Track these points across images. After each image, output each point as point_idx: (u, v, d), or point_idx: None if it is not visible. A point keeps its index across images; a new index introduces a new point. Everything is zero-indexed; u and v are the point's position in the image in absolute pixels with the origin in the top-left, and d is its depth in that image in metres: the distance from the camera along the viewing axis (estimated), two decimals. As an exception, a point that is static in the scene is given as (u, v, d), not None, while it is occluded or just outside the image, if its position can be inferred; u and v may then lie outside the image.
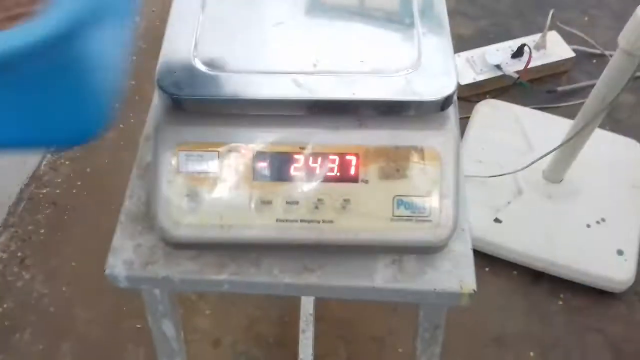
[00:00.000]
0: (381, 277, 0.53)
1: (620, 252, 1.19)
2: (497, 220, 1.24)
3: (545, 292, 1.24)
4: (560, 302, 1.22)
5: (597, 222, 1.23)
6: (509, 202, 1.26)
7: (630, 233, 1.22)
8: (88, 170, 1.41)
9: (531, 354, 1.16)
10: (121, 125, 1.49)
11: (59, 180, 1.39)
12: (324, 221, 0.50)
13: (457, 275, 0.53)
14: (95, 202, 1.36)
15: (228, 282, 0.53)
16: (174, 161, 0.50)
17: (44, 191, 1.37)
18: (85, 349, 1.15)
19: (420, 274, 0.53)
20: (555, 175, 1.26)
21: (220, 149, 0.50)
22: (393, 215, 0.50)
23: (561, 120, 1.37)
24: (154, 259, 0.54)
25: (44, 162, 1.41)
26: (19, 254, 1.27)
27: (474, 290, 0.53)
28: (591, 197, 1.26)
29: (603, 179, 1.28)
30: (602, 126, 1.39)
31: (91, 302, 1.21)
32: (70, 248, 1.29)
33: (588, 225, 1.23)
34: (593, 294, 1.22)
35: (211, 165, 0.50)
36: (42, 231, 1.31)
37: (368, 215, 0.50)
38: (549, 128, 1.33)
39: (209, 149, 0.50)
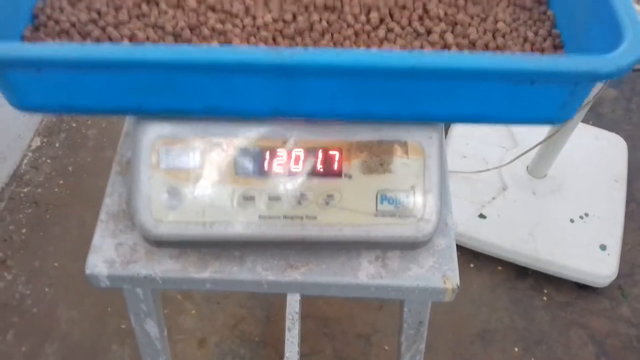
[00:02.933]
0: (365, 274, 0.53)
1: (603, 247, 1.20)
2: (481, 215, 1.24)
3: (529, 287, 1.24)
4: (545, 297, 1.23)
5: (581, 217, 1.24)
6: (493, 198, 1.26)
7: (613, 228, 1.23)
8: (70, 169, 1.39)
9: (516, 349, 1.16)
10: (103, 124, 1.48)
11: (40, 179, 1.37)
12: (307, 217, 0.49)
13: (440, 270, 0.53)
14: (77, 201, 1.34)
15: (211, 281, 0.53)
16: (154, 157, 0.49)
17: (25, 190, 1.35)
18: (69, 349, 1.13)
19: (404, 270, 0.53)
20: (539, 170, 1.26)
21: (201, 144, 0.49)
22: (377, 211, 0.49)
23: (545, 116, 1.37)
24: (135, 258, 0.53)
25: (25, 161, 1.39)
26: (0, 255, 1.25)
27: (457, 285, 0.52)
28: (575, 192, 1.27)
29: (586, 174, 1.29)
30: (586, 121, 1.40)
31: (74, 302, 1.20)
32: (52, 248, 1.27)
33: (572, 220, 1.23)
34: (577, 289, 1.23)
35: (192, 161, 0.49)
36: (23, 231, 1.29)
37: (351, 210, 0.49)
38: (532, 124, 1.34)
39: (190, 143, 0.49)
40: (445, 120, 0.45)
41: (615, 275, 1.19)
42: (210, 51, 0.37)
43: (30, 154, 1.40)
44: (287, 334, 1.06)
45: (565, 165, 1.26)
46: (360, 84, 0.40)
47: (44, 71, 0.38)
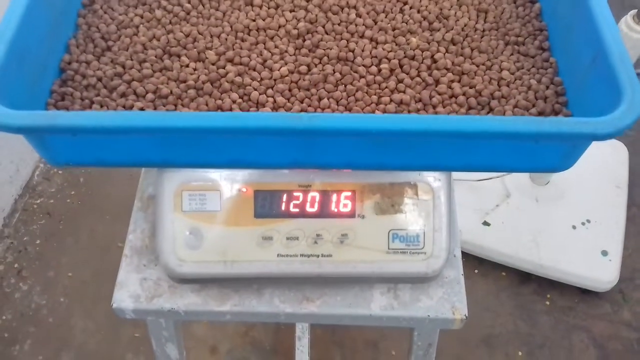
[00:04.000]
0: (378, 305, 0.56)
1: (604, 253, 1.23)
2: (485, 223, 1.27)
3: (532, 293, 1.27)
4: (548, 302, 1.26)
5: (582, 224, 1.26)
6: (497, 205, 1.29)
7: (614, 234, 1.25)
8: (81, 180, 1.42)
9: (520, 353, 1.19)
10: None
11: (52, 190, 1.40)
12: (323, 255, 0.52)
13: (449, 301, 0.56)
14: (89, 211, 1.37)
15: (231, 313, 0.56)
16: (177, 201, 0.51)
17: (38, 201, 1.38)
18: (85, 358, 1.17)
19: (415, 301, 0.56)
20: (541, 178, 1.29)
21: (222, 189, 0.52)
22: (389, 248, 0.52)
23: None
24: (159, 292, 0.56)
25: (37, 172, 1.42)
26: (16, 265, 1.28)
27: (466, 316, 0.55)
28: (576, 199, 1.29)
29: (588, 181, 1.32)
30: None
31: (89, 312, 1.23)
32: (66, 258, 1.30)
33: (574, 227, 1.26)
34: (579, 294, 1.26)
35: (213, 204, 0.52)
36: (37, 242, 1.32)
37: (365, 248, 0.52)
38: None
39: (211, 188, 0.51)
40: (455, 170, 0.48)
41: (616, 281, 1.22)
42: (236, 118, 0.39)
43: (42, 165, 1.43)
44: (297, 343, 1.10)
45: (567, 173, 1.28)
46: (374, 142, 0.43)
47: (79, 135, 0.41)
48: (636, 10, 0.94)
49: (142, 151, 0.44)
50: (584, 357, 1.19)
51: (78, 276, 1.28)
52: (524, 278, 1.28)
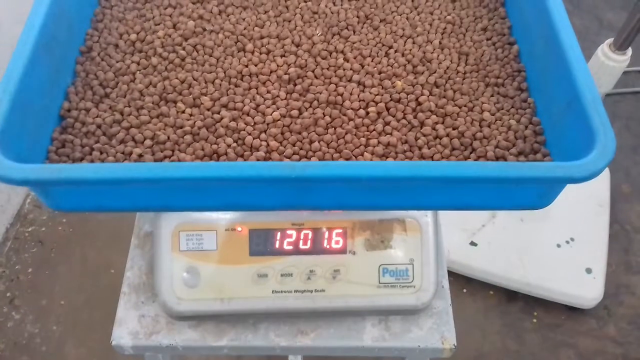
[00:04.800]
0: (370, 337, 0.58)
1: (589, 270, 1.26)
2: (472, 243, 1.30)
3: (520, 310, 1.30)
4: (534, 320, 1.29)
5: (567, 242, 1.30)
6: (483, 225, 1.32)
7: (598, 251, 1.28)
8: (73, 206, 1.42)
9: (509, 371, 1.22)
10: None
11: (43, 218, 1.40)
12: (316, 290, 0.54)
13: (439, 331, 0.58)
14: (81, 239, 1.38)
15: (228, 347, 0.57)
16: (174, 241, 0.53)
17: (30, 229, 1.39)
18: (78, 387, 1.17)
19: (406, 332, 0.58)
20: (525, 198, 1.32)
21: (217, 229, 0.54)
22: (379, 283, 0.54)
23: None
24: (157, 329, 0.57)
25: (28, 200, 1.43)
26: (8, 294, 1.29)
27: (455, 345, 0.58)
28: (560, 218, 1.32)
29: (571, 200, 1.35)
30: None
31: (82, 339, 1.24)
32: (58, 286, 1.31)
33: (558, 245, 1.29)
34: (565, 311, 1.29)
35: (210, 244, 0.54)
36: (29, 270, 1.33)
37: (356, 283, 0.54)
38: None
39: (207, 229, 0.54)
40: (440, 209, 0.50)
41: (601, 297, 1.25)
42: (232, 168, 0.41)
43: (33, 193, 1.44)
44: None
45: (550, 192, 1.31)
46: (363, 187, 0.45)
47: (80, 186, 0.43)
48: (612, 39, 0.98)
49: (142, 198, 0.46)
50: (571, 373, 1.22)
51: (71, 304, 1.29)
52: (511, 296, 1.31)
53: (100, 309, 1.27)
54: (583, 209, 1.34)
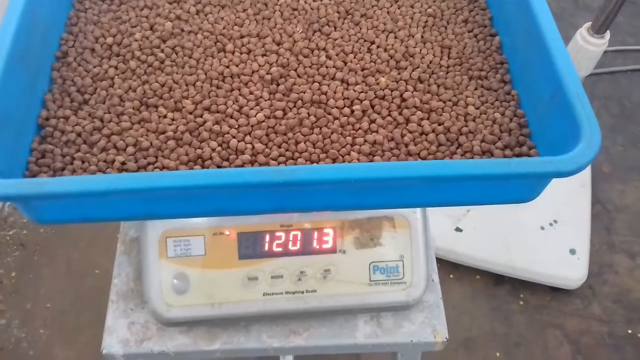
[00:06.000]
0: (362, 334, 0.58)
1: (572, 251, 1.28)
2: (458, 229, 1.31)
3: (507, 293, 1.32)
4: (521, 302, 1.30)
5: (550, 224, 1.31)
6: (467, 211, 1.33)
7: (581, 232, 1.30)
8: (54, 208, 1.40)
9: (497, 354, 1.23)
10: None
11: (24, 221, 1.38)
12: (307, 291, 0.54)
13: (430, 325, 0.58)
14: (63, 240, 1.36)
15: (220, 351, 0.57)
16: (162, 248, 0.53)
17: (11, 233, 1.37)
18: (68, 390, 1.17)
19: (398, 327, 0.58)
20: (509, 182, 1.33)
21: (205, 233, 0.53)
22: (370, 281, 0.54)
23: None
24: (148, 335, 0.57)
25: (8, 204, 1.40)
26: (-8, 300, 1.27)
27: (447, 338, 0.58)
28: (544, 200, 1.32)
29: (553, 182, 1.36)
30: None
31: (70, 342, 1.23)
32: (43, 288, 1.29)
33: (542, 228, 1.31)
34: (550, 292, 1.31)
35: (198, 249, 0.53)
36: (13, 274, 1.31)
37: (347, 282, 0.54)
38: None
39: (195, 234, 0.53)
40: (428, 206, 0.50)
41: (585, 277, 1.27)
42: (219, 175, 0.41)
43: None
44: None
45: (533, 176, 1.32)
46: (352, 188, 0.45)
47: (63, 199, 0.42)
48: (590, 22, 0.98)
49: (128, 208, 0.45)
50: (558, 353, 1.24)
51: (57, 306, 1.27)
52: (497, 280, 1.32)
53: (87, 311, 1.26)
54: (565, 191, 1.35)
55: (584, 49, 0.99)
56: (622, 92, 1.71)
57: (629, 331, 1.26)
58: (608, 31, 0.99)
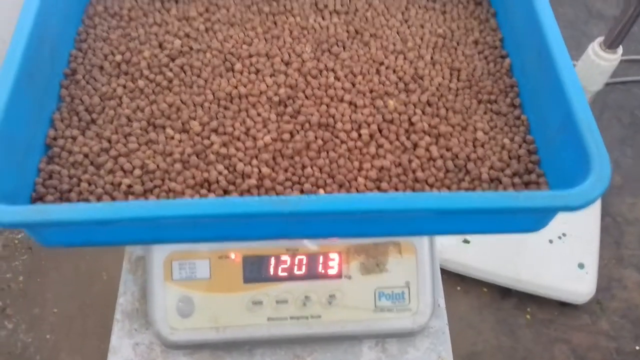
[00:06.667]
0: None
1: (581, 266, 1.26)
2: (465, 241, 1.30)
3: (513, 307, 1.31)
4: (528, 316, 1.29)
5: (559, 238, 1.30)
6: (476, 223, 1.32)
7: (590, 246, 1.29)
8: (62, 212, 1.41)
9: (504, 368, 1.22)
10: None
11: (33, 225, 1.39)
12: (312, 316, 0.54)
13: (435, 351, 0.58)
14: (72, 245, 1.36)
15: (224, 373, 0.57)
16: (167, 271, 0.53)
17: (19, 236, 1.37)
18: (74, 396, 1.17)
19: (403, 354, 0.57)
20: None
21: (210, 257, 0.53)
22: (375, 307, 0.54)
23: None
24: (152, 357, 0.57)
25: (17, 207, 1.41)
26: (0, 304, 1.28)
27: (452, 364, 0.57)
28: (552, 213, 1.33)
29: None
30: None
31: (76, 347, 1.23)
32: (50, 293, 1.30)
33: (550, 241, 1.30)
34: (558, 306, 1.30)
35: (203, 272, 0.53)
36: (20, 278, 1.31)
37: (352, 308, 0.54)
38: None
39: (200, 257, 0.53)
40: (434, 235, 0.50)
41: (593, 292, 1.26)
42: (226, 205, 0.41)
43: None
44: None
45: (542, 188, 1.31)
46: (358, 217, 0.44)
47: (69, 226, 0.42)
48: (603, 37, 0.97)
49: (134, 233, 0.45)
50: (565, 368, 1.23)
51: (64, 311, 1.28)
52: (504, 293, 1.31)
53: (94, 316, 1.27)
54: (575, 204, 1.34)
55: (595, 64, 0.98)
56: (634, 102, 1.69)
57: (637, 347, 1.25)
58: (620, 47, 0.98)
